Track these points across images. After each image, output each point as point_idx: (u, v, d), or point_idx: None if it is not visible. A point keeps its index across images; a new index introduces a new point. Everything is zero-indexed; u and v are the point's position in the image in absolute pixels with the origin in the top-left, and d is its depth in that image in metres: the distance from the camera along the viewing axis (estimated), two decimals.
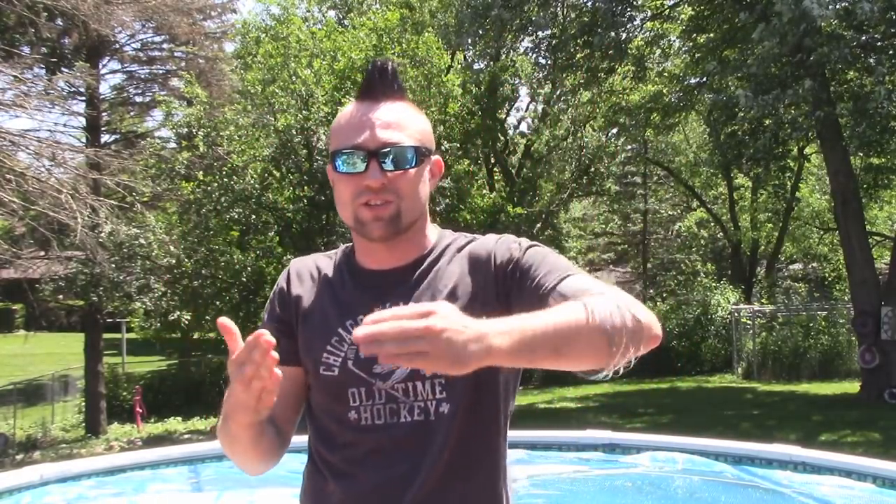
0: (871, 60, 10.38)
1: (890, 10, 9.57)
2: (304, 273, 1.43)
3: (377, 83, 1.32)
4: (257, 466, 1.36)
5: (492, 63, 16.47)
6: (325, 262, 1.44)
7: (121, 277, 11.92)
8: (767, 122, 11.50)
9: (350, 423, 1.32)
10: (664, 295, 26.13)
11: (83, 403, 15.01)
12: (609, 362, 1.11)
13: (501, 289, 1.31)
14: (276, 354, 1.10)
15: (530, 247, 1.34)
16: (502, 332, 1.02)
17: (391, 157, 1.28)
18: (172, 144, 14.20)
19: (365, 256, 1.39)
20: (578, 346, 1.09)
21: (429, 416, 1.29)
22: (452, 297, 1.30)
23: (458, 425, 1.30)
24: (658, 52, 15.41)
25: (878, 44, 10.39)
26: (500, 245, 1.36)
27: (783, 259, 25.61)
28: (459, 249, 1.39)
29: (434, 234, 1.42)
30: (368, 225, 1.30)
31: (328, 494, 1.33)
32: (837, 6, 9.39)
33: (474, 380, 1.20)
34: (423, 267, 1.37)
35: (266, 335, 1.08)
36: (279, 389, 1.21)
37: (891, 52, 10.18)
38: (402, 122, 1.31)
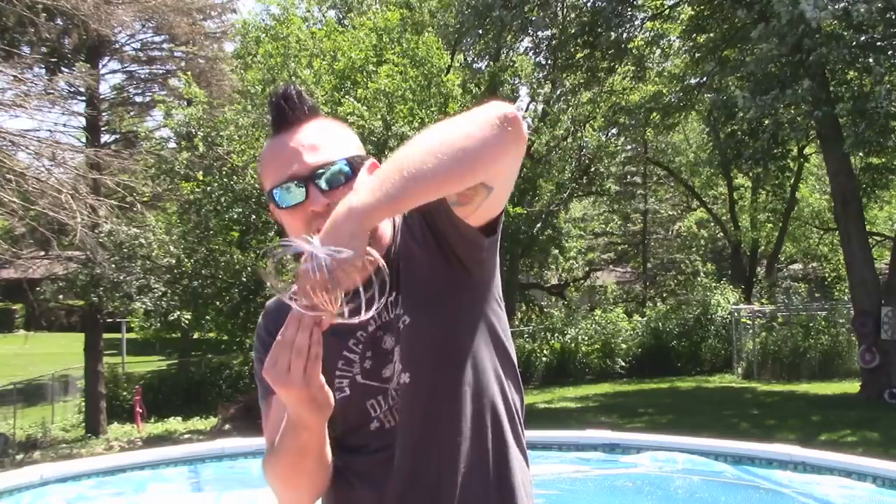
0: (871, 60, 10.38)
1: (889, 11, 9.57)
2: (284, 310, 1.39)
3: (285, 111, 1.30)
4: (318, 492, 1.33)
5: (492, 63, 16.47)
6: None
7: (121, 277, 11.92)
8: (767, 122, 11.50)
9: (374, 434, 1.32)
10: (664, 295, 26.14)
11: (83, 403, 15.00)
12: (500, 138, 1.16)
13: (439, 246, 1.31)
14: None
15: (427, 209, 1.29)
16: (367, 189, 1.10)
17: (326, 176, 1.26)
18: (172, 144, 14.21)
19: None
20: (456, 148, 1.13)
21: (392, 383, 1.31)
22: (414, 274, 1.32)
23: (425, 390, 1.30)
24: (658, 52, 15.41)
25: (878, 44, 10.38)
26: (416, 218, 1.35)
27: (783, 259, 25.61)
28: (407, 232, 1.38)
29: (389, 228, 1.39)
30: None
31: (357, 500, 1.33)
32: (835, 7, 9.37)
33: (433, 339, 1.31)
34: (392, 255, 1.36)
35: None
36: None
37: (889, 52, 10.18)
38: (324, 141, 1.29)
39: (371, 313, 1.09)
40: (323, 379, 1.14)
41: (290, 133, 1.29)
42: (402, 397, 1.31)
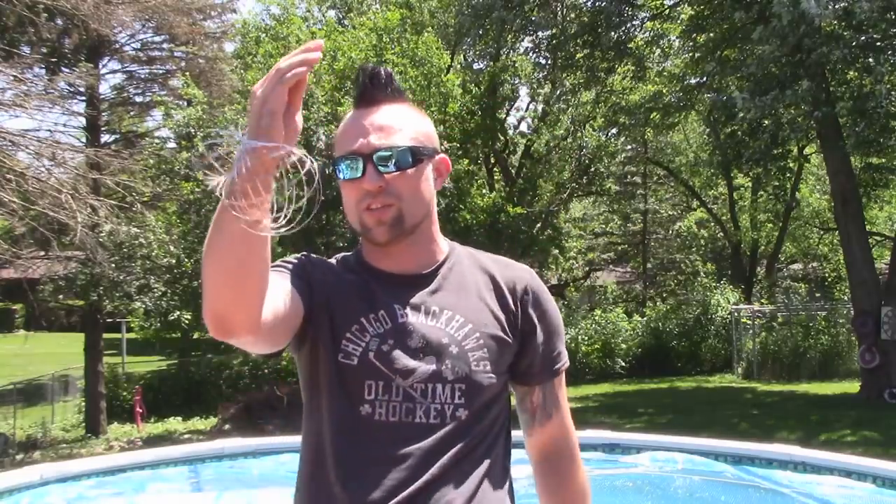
0: (871, 60, 10.37)
1: (889, 10, 9.57)
2: (320, 261, 1.42)
3: (368, 89, 1.34)
4: (230, 296, 1.17)
5: (492, 63, 16.47)
6: (336, 260, 1.45)
7: (120, 277, 11.91)
8: (767, 122, 11.49)
9: (362, 418, 1.29)
10: (664, 295, 26.14)
11: (83, 403, 15.00)
12: None
13: (522, 333, 1.40)
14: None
15: (545, 307, 1.42)
16: None
17: (386, 159, 1.30)
18: (172, 144, 14.20)
19: (377, 259, 1.40)
20: None
21: (444, 419, 1.30)
22: (482, 313, 1.37)
23: (472, 432, 1.32)
24: (658, 51, 15.41)
25: (878, 44, 10.38)
26: (531, 292, 1.41)
27: (783, 259, 25.62)
28: (476, 263, 1.44)
29: (445, 242, 1.45)
30: (373, 230, 1.32)
31: (333, 496, 1.29)
32: (836, 6, 9.37)
33: (493, 390, 1.36)
34: (443, 271, 1.40)
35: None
36: (284, 294, 1.26)
37: (889, 52, 10.17)
38: (396, 125, 1.32)
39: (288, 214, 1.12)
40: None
41: (368, 111, 1.33)
42: (451, 433, 1.30)
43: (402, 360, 1.30)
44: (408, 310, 1.34)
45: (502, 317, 1.38)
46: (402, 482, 1.26)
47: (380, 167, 1.29)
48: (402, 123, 1.33)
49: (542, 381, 1.42)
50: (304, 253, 1.45)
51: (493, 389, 1.35)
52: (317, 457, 1.33)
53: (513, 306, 1.39)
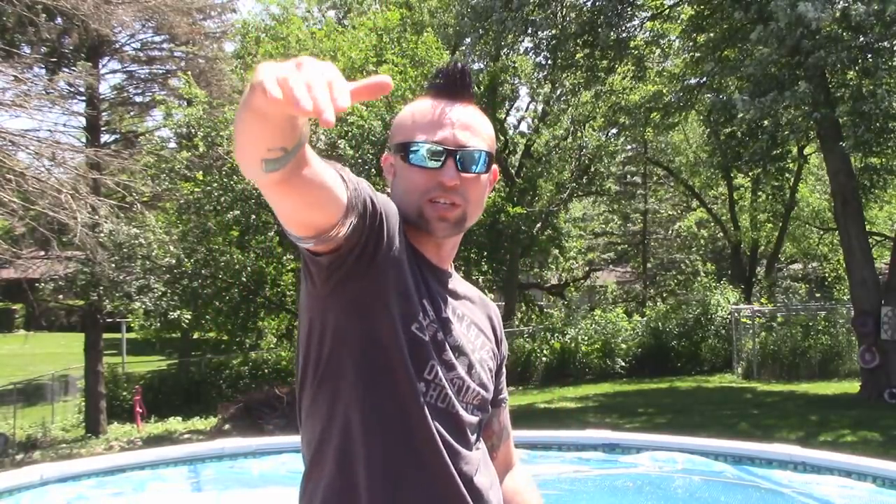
0: (870, 61, 10.36)
1: (885, 13, 9.56)
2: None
3: (457, 83, 1.33)
4: (261, 153, 1.02)
5: (492, 63, 16.47)
6: None
7: (120, 277, 11.91)
8: (766, 122, 11.49)
9: (414, 394, 1.24)
10: (664, 295, 26.15)
11: (83, 403, 15.01)
12: None
13: (497, 368, 1.47)
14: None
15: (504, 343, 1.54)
16: None
17: (467, 159, 1.29)
18: (172, 144, 14.21)
19: (422, 245, 1.34)
20: None
21: (475, 414, 1.35)
22: (489, 341, 1.44)
23: (480, 433, 1.41)
24: (658, 51, 15.41)
25: (877, 45, 10.37)
26: (502, 326, 1.53)
27: (783, 259, 25.63)
28: (466, 286, 1.48)
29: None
30: (433, 223, 1.30)
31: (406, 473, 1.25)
32: (834, 9, 9.36)
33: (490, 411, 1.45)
34: (454, 277, 1.43)
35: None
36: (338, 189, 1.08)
37: (888, 54, 10.16)
38: (478, 126, 1.33)
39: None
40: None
41: (451, 104, 1.32)
42: (475, 427, 1.36)
43: (448, 353, 1.31)
44: (449, 307, 1.35)
45: (494, 354, 1.44)
46: (467, 474, 1.31)
47: (459, 164, 1.29)
48: (482, 127, 1.34)
49: (500, 406, 1.51)
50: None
51: (492, 414, 1.48)
52: (346, 463, 1.24)
53: (500, 348, 1.48)
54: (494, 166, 1.38)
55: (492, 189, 1.42)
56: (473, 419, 1.33)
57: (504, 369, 1.51)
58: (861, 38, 10.14)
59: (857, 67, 10.83)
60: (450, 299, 1.36)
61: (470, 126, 1.31)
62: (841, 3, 9.53)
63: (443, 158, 1.27)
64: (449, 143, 1.28)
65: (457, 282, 1.42)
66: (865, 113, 10.19)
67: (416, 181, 1.29)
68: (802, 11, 9.19)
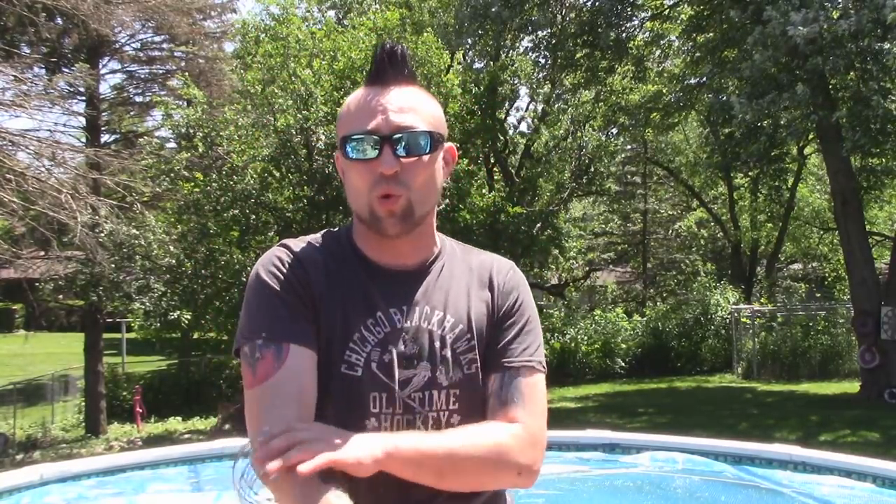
0: (870, 66, 10.35)
1: (878, 24, 9.57)
2: (310, 259, 1.30)
3: (386, 67, 1.26)
4: None
5: (492, 63, 16.45)
6: (323, 249, 1.33)
7: (120, 277, 11.91)
8: (765, 123, 11.49)
9: (367, 432, 1.20)
10: (664, 295, 26.15)
11: (83, 403, 15.01)
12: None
13: (493, 327, 1.34)
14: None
15: (522, 305, 1.36)
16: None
17: (405, 142, 1.22)
18: (172, 145, 14.20)
19: (373, 250, 1.31)
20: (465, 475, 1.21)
21: (440, 427, 1.26)
22: (471, 310, 1.32)
23: None
24: (658, 52, 15.41)
25: (876, 46, 10.36)
26: (506, 285, 1.36)
27: (783, 259, 25.62)
28: (466, 260, 1.38)
29: (437, 236, 1.39)
30: (384, 221, 1.24)
31: None
32: (824, 25, 9.36)
33: (482, 391, 1.31)
34: (434, 268, 1.34)
35: None
36: (310, 377, 1.21)
37: (886, 59, 10.15)
38: (414, 107, 1.25)
39: None
40: None
41: (383, 89, 1.25)
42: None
43: (401, 368, 1.25)
44: (403, 311, 1.28)
45: (490, 313, 1.33)
46: (412, 499, 1.22)
47: (397, 150, 1.21)
48: (420, 106, 1.26)
49: (500, 370, 1.30)
50: (285, 251, 1.30)
51: (482, 391, 1.31)
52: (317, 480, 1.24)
53: (496, 297, 1.35)
54: (448, 144, 1.32)
55: (452, 168, 1.35)
56: (436, 430, 1.25)
57: (506, 328, 1.33)
58: (860, 43, 10.12)
59: (855, 72, 10.83)
60: (409, 301, 1.29)
61: (405, 108, 1.23)
62: (826, 19, 9.54)
63: (378, 147, 1.21)
64: (382, 129, 1.21)
65: (435, 272, 1.33)
66: (864, 116, 10.19)
67: (359, 178, 1.24)
68: (794, 21, 9.23)
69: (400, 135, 1.22)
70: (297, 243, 1.33)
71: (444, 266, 1.35)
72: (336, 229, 1.39)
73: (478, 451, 1.20)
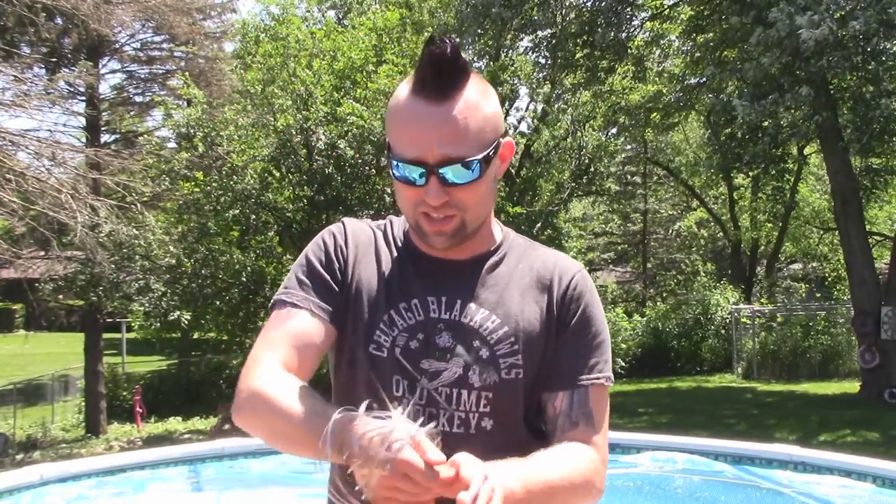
0: (872, 66, 10.35)
1: (883, 26, 9.56)
2: (361, 236, 1.32)
3: (437, 78, 1.14)
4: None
5: (491, 62, 16.45)
6: (378, 233, 1.33)
7: (120, 277, 11.91)
8: (766, 124, 11.49)
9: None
10: (664, 295, 26.14)
11: (83, 403, 15.01)
12: None
13: (557, 333, 1.27)
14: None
15: (589, 315, 1.28)
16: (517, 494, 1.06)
17: (453, 173, 1.15)
18: (172, 144, 14.20)
19: (424, 243, 1.28)
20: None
21: (469, 429, 1.21)
22: (522, 315, 1.25)
23: (497, 444, 1.19)
24: (658, 52, 15.41)
25: (879, 47, 10.36)
26: (570, 293, 1.28)
27: (783, 259, 25.62)
28: (526, 259, 1.32)
29: (498, 229, 1.34)
30: (430, 237, 1.21)
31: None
32: (831, 24, 9.35)
33: (521, 397, 1.24)
34: (488, 265, 1.29)
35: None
36: (308, 338, 1.21)
37: (889, 61, 10.15)
38: (465, 129, 1.14)
39: None
40: None
41: (434, 103, 1.14)
42: (475, 445, 1.14)
43: (430, 359, 1.21)
44: (442, 303, 1.24)
45: (545, 318, 1.26)
46: None
47: (445, 180, 1.15)
48: (472, 124, 1.15)
49: (567, 388, 1.24)
50: (340, 226, 1.33)
51: (523, 402, 1.24)
52: None
53: (556, 305, 1.27)
54: (505, 140, 1.23)
55: (507, 164, 1.27)
56: (462, 433, 1.20)
57: (573, 341, 1.26)
58: (862, 45, 10.12)
59: (858, 73, 10.83)
60: (452, 294, 1.24)
61: (455, 133, 1.14)
62: (838, 11, 9.52)
63: (424, 177, 1.15)
64: (428, 158, 1.14)
65: (487, 269, 1.28)
66: (866, 116, 10.19)
67: (406, 196, 1.20)
68: (800, 23, 9.21)
69: (448, 167, 1.14)
70: (355, 222, 1.35)
71: (500, 262, 1.30)
72: (403, 217, 1.34)
73: (572, 481, 1.16)
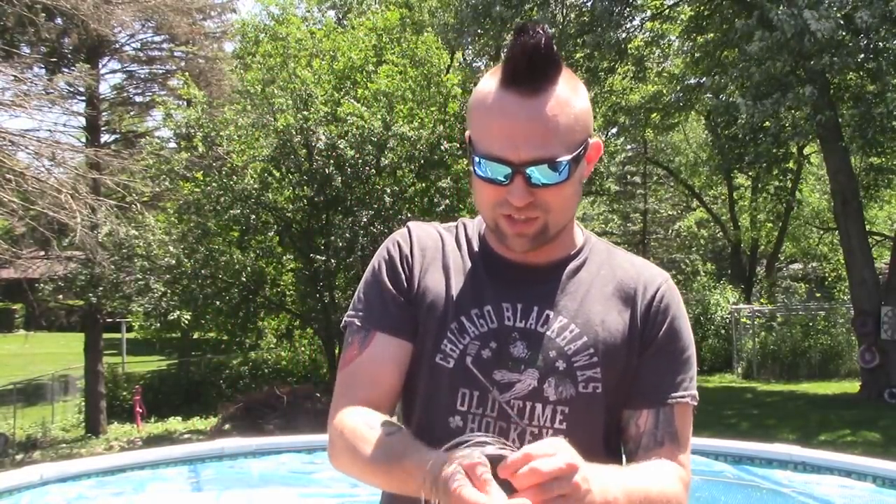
0: (873, 65, 10.35)
1: (888, 20, 9.56)
2: (427, 241, 1.25)
3: (529, 72, 1.06)
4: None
5: (492, 62, 16.46)
6: (447, 236, 1.26)
7: (120, 278, 11.91)
8: (767, 123, 11.49)
9: (450, 430, 1.13)
10: None
11: (83, 403, 15.01)
12: None
13: (642, 348, 1.20)
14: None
15: (676, 330, 1.22)
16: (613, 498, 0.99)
17: (541, 172, 1.08)
18: (172, 144, 14.21)
19: (499, 244, 1.21)
20: None
21: None
22: (603, 325, 1.18)
23: None
24: (658, 52, 15.41)
25: (881, 44, 10.36)
26: (656, 306, 1.21)
27: (783, 259, 25.63)
28: (608, 266, 1.24)
29: (579, 232, 1.26)
30: (510, 239, 1.14)
31: None
32: (837, 15, 9.35)
33: (599, 414, 1.17)
34: (568, 270, 1.21)
35: None
36: (390, 365, 1.17)
37: (892, 56, 10.14)
38: (555, 125, 1.07)
39: None
40: None
41: (521, 99, 1.07)
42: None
43: (503, 370, 1.14)
44: (518, 310, 1.17)
45: (627, 331, 1.19)
46: None
47: (531, 181, 1.08)
48: (562, 122, 1.08)
49: (653, 406, 1.18)
50: (405, 232, 1.27)
51: (602, 418, 1.17)
52: None
53: (640, 318, 1.20)
54: (593, 140, 1.15)
55: (593, 164, 1.20)
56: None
57: (660, 356, 1.19)
58: (864, 42, 10.12)
59: (861, 71, 10.83)
60: (528, 300, 1.17)
61: (542, 132, 1.06)
62: (845, 9, 9.52)
63: (509, 177, 1.08)
64: (513, 157, 1.07)
65: (567, 275, 1.21)
66: (868, 114, 10.18)
67: (485, 193, 1.12)
68: (807, 17, 9.19)
69: (535, 168, 1.07)
70: (422, 226, 1.28)
71: (581, 268, 1.22)
72: (477, 219, 1.28)
73: (668, 498, 1.11)
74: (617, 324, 1.18)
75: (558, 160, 1.08)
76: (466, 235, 1.26)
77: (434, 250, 1.24)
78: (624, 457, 1.23)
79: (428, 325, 1.18)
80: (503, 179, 1.09)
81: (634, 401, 1.19)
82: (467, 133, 1.16)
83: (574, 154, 1.10)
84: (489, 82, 1.12)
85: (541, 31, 1.05)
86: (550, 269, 1.21)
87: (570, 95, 1.10)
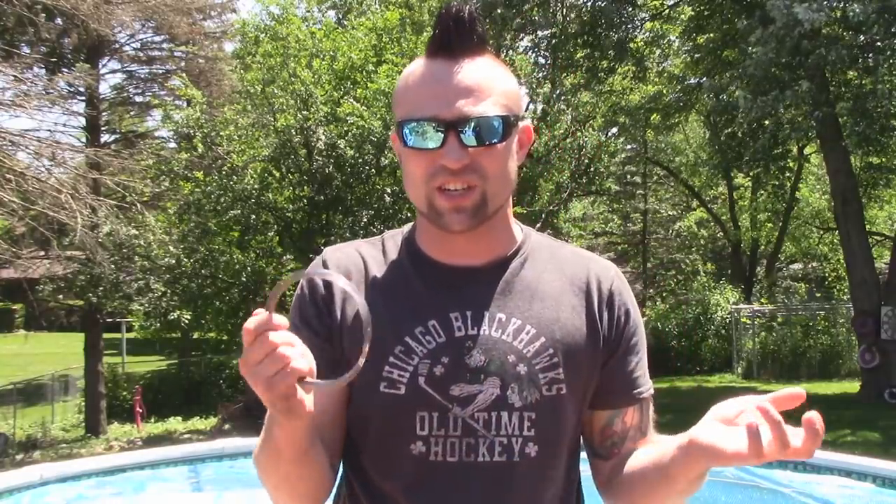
0: (870, 61, 10.35)
1: (885, 12, 9.55)
2: (348, 265, 1.14)
3: (453, 36, 1.05)
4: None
5: None
6: (371, 251, 1.17)
7: (120, 278, 11.91)
8: (767, 122, 11.49)
9: (413, 457, 1.07)
10: (664, 294, 26.13)
11: (83, 403, 15.01)
12: None
13: (610, 347, 1.16)
14: (287, 337, 0.87)
15: (634, 321, 1.19)
16: None
17: (474, 129, 1.03)
18: (172, 144, 14.21)
19: (434, 246, 1.14)
20: None
21: (511, 456, 1.07)
22: (559, 324, 1.12)
23: (543, 474, 1.11)
24: (658, 52, 15.42)
25: (878, 43, 10.37)
26: (613, 297, 1.17)
27: (783, 259, 25.62)
28: (554, 260, 1.18)
29: (517, 228, 1.20)
30: (446, 216, 1.06)
31: None
32: (829, 9, 9.35)
33: (570, 421, 1.14)
34: (511, 268, 1.15)
35: (274, 318, 0.86)
36: (326, 410, 1.07)
37: (888, 52, 10.15)
38: (486, 85, 1.05)
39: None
40: (302, 393, 0.89)
41: (448, 63, 1.05)
42: (520, 473, 1.09)
43: (460, 383, 1.07)
44: (467, 318, 1.09)
45: (585, 327, 1.13)
46: None
47: (464, 138, 1.03)
48: (492, 83, 1.06)
49: (636, 402, 1.19)
50: (319, 263, 1.17)
51: (569, 421, 1.13)
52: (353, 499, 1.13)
53: (598, 313, 1.15)
54: (524, 123, 1.12)
55: (525, 152, 1.14)
56: (505, 461, 1.07)
57: (625, 352, 1.16)
58: (861, 38, 10.13)
59: (858, 66, 10.82)
60: (476, 305, 1.11)
61: (474, 87, 1.04)
62: (835, 2, 9.52)
63: (442, 135, 1.03)
64: (446, 114, 1.02)
65: (512, 273, 1.14)
66: (867, 111, 10.18)
67: (417, 167, 1.06)
68: (797, 11, 9.20)
69: (469, 120, 1.03)
70: (338, 250, 1.18)
71: (524, 264, 1.16)
72: (402, 228, 1.22)
73: None
74: (573, 321, 1.13)
75: (491, 116, 1.04)
76: (395, 247, 1.17)
77: (357, 273, 1.14)
78: (595, 453, 1.21)
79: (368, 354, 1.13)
80: (435, 141, 1.03)
81: (618, 400, 1.17)
82: (392, 135, 1.13)
83: (508, 115, 1.06)
84: (415, 64, 1.10)
85: (465, 5, 1.05)
86: (492, 270, 1.13)
87: (497, 67, 1.09)
